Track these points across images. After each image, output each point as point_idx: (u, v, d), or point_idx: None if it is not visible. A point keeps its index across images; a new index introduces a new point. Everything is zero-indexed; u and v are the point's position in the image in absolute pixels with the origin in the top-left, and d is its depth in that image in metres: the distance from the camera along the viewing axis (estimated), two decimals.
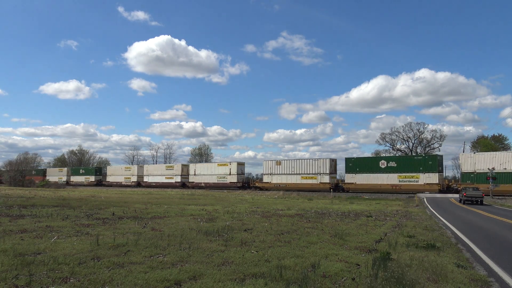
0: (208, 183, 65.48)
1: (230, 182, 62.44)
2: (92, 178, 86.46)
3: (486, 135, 77.26)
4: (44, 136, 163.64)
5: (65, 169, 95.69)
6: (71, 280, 5.86)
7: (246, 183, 63.61)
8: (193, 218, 16.19)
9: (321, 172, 53.50)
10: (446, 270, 7.19)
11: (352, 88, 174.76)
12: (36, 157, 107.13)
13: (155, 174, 75.41)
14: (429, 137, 78.18)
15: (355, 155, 63.13)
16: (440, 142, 77.90)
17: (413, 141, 79.35)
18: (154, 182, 74.78)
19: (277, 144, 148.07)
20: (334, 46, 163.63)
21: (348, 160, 52.74)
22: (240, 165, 63.92)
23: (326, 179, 52.85)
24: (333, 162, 54.53)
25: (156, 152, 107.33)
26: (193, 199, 34.79)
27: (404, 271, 6.65)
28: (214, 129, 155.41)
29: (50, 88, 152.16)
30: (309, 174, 54.65)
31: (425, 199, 38.30)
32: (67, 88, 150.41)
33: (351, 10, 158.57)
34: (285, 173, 57.09)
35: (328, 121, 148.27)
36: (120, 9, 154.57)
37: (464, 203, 32.54)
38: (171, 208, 21.76)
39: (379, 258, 7.60)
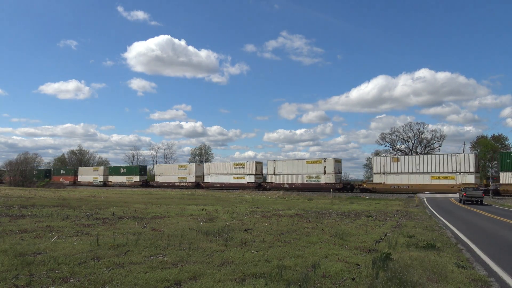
0: (293, 183, 56.00)
1: (325, 183, 53.13)
2: (136, 178, 76.71)
3: (486, 135, 77.29)
4: (44, 136, 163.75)
5: (101, 168, 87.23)
6: (71, 280, 5.86)
7: (348, 184, 55.76)
8: (193, 218, 16.19)
9: (463, 170, 43.15)
10: (446, 270, 7.19)
11: (352, 88, 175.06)
12: (36, 157, 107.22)
13: (220, 173, 64.93)
14: (429, 137, 78.20)
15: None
16: (440, 142, 77.88)
17: (413, 141, 79.36)
18: (218, 183, 64.69)
19: (277, 144, 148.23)
20: (334, 46, 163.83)
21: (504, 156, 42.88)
22: (338, 162, 54.56)
23: (469, 178, 42.69)
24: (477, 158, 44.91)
25: (156, 152, 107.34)
26: (193, 199, 34.79)
27: (404, 271, 6.65)
28: (214, 129, 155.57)
29: (49, 88, 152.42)
30: (444, 173, 44.29)
31: (425, 199, 38.29)
32: (67, 88, 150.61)
33: (351, 10, 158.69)
34: (407, 171, 47.37)
35: (328, 121, 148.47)
36: (120, 8, 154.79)
37: (464, 203, 32.53)
38: (171, 208, 21.76)
39: (379, 258, 7.60)
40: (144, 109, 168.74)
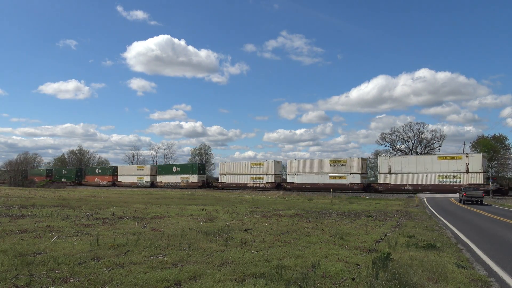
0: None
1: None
2: (193, 178, 67.68)
3: (486, 135, 77.24)
4: (43, 136, 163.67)
5: (148, 166, 77.46)
6: (71, 280, 5.85)
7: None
8: (193, 218, 16.19)
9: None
10: (446, 270, 7.19)
11: (352, 88, 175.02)
12: (36, 157, 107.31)
13: (308, 171, 55.69)
14: (429, 137, 78.19)
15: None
16: (440, 142, 77.89)
17: (413, 141, 79.36)
18: (308, 184, 55.63)
19: (277, 144, 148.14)
20: (334, 45, 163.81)
21: None
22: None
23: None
24: None
25: (156, 152, 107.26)
26: (193, 199, 34.79)
27: (404, 271, 6.65)
28: (214, 129, 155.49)
29: (49, 88, 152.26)
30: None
31: (425, 199, 38.30)
32: (67, 88, 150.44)
33: (351, 10, 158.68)
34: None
35: (328, 121, 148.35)
36: (119, 8, 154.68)
37: (464, 203, 32.54)
38: (171, 208, 21.76)
39: (379, 258, 7.60)
40: (144, 109, 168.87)
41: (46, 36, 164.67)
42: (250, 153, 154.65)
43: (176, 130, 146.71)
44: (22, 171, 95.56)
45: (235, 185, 62.48)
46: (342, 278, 6.47)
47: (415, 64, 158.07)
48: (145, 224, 13.43)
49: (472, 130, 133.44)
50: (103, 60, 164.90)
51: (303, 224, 14.71)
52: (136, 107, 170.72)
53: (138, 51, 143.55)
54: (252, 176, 60.73)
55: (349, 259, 8.05)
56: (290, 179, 57.20)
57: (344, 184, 51.98)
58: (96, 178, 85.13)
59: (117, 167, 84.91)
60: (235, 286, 5.85)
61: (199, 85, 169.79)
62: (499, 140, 72.67)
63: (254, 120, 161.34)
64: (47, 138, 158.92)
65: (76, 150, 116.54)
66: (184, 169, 70.76)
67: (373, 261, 7.46)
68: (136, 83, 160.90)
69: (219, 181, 65.15)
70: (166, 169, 74.46)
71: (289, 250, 8.82)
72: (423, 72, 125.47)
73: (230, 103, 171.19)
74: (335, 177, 52.77)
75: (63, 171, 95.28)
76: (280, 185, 59.04)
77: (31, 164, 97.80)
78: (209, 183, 68.78)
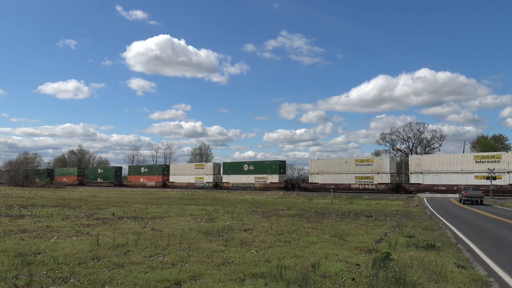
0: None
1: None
2: (273, 178, 57.35)
3: (486, 135, 77.33)
4: (43, 136, 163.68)
5: (209, 164, 67.20)
6: (71, 280, 5.85)
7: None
8: (193, 218, 16.19)
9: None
10: (446, 270, 7.19)
11: (352, 87, 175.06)
12: (36, 157, 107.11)
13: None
14: (429, 137, 78.28)
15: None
16: (440, 142, 77.96)
17: (413, 141, 79.44)
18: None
19: (277, 144, 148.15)
20: (334, 45, 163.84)
21: None
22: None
23: None
24: None
25: (156, 152, 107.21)
26: (193, 199, 34.79)
27: (404, 271, 6.64)
28: (214, 129, 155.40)
29: (49, 88, 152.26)
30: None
31: (425, 199, 38.31)
32: (66, 88, 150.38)
33: (351, 10, 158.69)
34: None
35: (328, 121, 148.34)
36: (119, 8, 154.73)
37: (464, 203, 32.54)
38: (171, 208, 21.76)
39: (379, 258, 7.60)
40: (143, 109, 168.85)
41: (45, 36, 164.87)
42: (250, 153, 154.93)
43: (176, 130, 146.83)
44: (48, 171, 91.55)
45: (333, 186, 52.00)
46: (342, 278, 6.47)
47: (415, 64, 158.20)
48: (145, 224, 13.43)
49: (472, 130, 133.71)
50: (103, 60, 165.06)
51: (303, 224, 14.71)
52: (136, 107, 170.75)
53: (138, 51, 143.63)
54: (357, 175, 51.56)
55: (349, 259, 8.05)
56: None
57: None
58: (142, 178, 75.09)
59: (168, 166, 75.44)
60: (235, 286, 5.85)
61: (199, 85, 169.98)
62: (499, 140, 72.78)
63: (254, 120, 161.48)
64: (47, 138, 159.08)
65: (76, 150, 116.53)
66: (260, 167, 59.89)
67: (373, 261, 7.46)
68: (135, 83, 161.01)
69: (310, 181, 54.90)
70: (234, 167, 63.70)
71: (289, 250, 8.82)
72: (423, 72, 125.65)
73: (230, 103, 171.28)
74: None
75: (99, 170, 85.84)
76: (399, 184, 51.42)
77: (31, 164, 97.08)
78: (294, 184, 58.59)
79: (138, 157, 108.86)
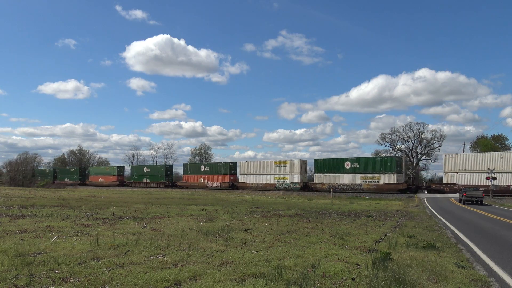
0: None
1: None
2: (388, 178, 47.03)
3: (486, 135, 77.28)
4: (43, 136, 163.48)
5: (295, 161, 56.06)
6: (71, 280, 5.85)
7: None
8: (193, 218, 16.20)
9: None
10: (446, 270, 7.19)
11: (352, 87, 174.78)
12: (36, 157, 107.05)
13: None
14: (429, 137, 78.11)
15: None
16: (440, 142, 77.78)
17: (413, 141, 79.31)
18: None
19: (277, 144, 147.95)
20: (334, 45, 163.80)
21: None
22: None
23: None
24: None
25: (156, 152, 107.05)
26: (193, 199, 34.80)
27: (404, 271, 6.64)
28: (214, 129, 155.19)
29: (48, 88, 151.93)
30: None
31: (425, 199, 38.32)
32: (66, 87, 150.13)
33: (351, 10, 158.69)
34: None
35: (328, 121, 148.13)
36: (118, 7, 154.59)
37: (464, 203, 32.56)
38: (171, 208, 21.77)
39: (379, 258, 7.60)
40: (143, 109, 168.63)
41: (45, 36, 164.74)
42: (250, 153, 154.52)
43: (176, 130, 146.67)
44: (80, 170, 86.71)
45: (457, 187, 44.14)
46: (342, 278, 6.47)
47: (415, 64, 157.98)
48: (145, 224, 13.43)
49: (472, 130, 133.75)
50: (102, 60, 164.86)
51: (303, 224, 14.71)
52: (136, 107, 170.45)
53: (138, 51, 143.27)
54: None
55: (349, 259, 8.05)
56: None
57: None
58: (202, 178, 65.58)
59: (235, 163, 63.98)
60: (235, 286, 5.85)
61: (199, 85, 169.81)
62: (499, 140, 72.75)
63: (254, 120, 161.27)
64: (47, 138, 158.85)
65: (76, 150, 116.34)
66: (368, 164, 49.44)
67: (373, 261, 7.46)
68: (135, 83, 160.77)
69: (447, 182, 45.44)
70: (331, 164, 52.60)
71: (289, 250, 8.82)
72: (423, 72, 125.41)
73: (230, 103, 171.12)
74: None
75: (146, 169, 75.70)
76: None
77: (31, 164, 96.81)
78: (419, 186, 50.12)
79: (138, 157, 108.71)
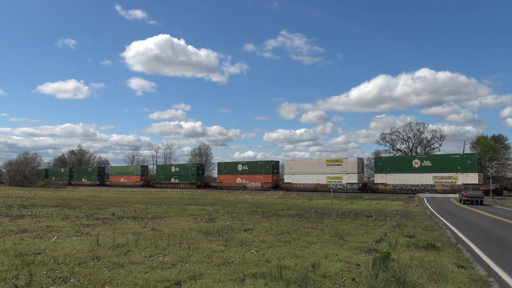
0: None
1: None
2: (467, 178, 43.62)
3: (486, 135, 77.25)
4: (43, 136, 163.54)
5: (351, 160, 51.66)
6: (71, 280, 5.85)
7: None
8: (193, 218, 16.20)
9: None
10: (446, 270, 7.19)
11: (351, 87, 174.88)
12: (36, 157, 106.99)
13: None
14: (429, 137, 78.18)
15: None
16: (440, 142, 77.82)
17: (413, 141, 79.35)
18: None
19: (277, 144, 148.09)
20: (335, 45, 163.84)
21: None
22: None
23: None
24: None
25: (156, 152, 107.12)
26: (193, 199, 34.80)
27: (404, 271, 6.64)
28: (214, 129, 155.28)
29: (48, 88, 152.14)
30: None
31: (425, 199, 38.30)
32: (66, 87, 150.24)
33: (351, 10, 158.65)
34: None
35: (328, 121, 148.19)
36: (118, 7, 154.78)
37: (464, 203, 32.56)
38: (171, 208, 21.76)
39: (379, 258, 7.60)
40: (143, 109, 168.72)
41: (45, 36, 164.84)
42: (250, 153, 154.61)
43: (176, 130, 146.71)
44: (99, 169, 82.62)
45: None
46: (342, 278, 6.47)
47: (415, 64, 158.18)
48: (145, 224, 13.43)
49: (472, 130, 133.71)
50: (102, 60, 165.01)
51: (303, 224, 14.71)
52: (136, 107, 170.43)
53: (137, 51, 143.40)
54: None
55: (349, 259, 8.05)
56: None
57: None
58: (239, 178, 61.25)
59: (277, 162, 60.53)
60: (235, 286, 5.85)
61: (198, 84, 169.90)
62: (499, 140, 72.72)
63: (254, 120, 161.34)
64: (47, 138, 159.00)
65: (76, 150, 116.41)
66: (440, 163, 45.12)
67: (373, 261, 7.46)
68: (135, 83, 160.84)
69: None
70: (395, 163, 48.36)
71: (289, 250, 8.82)
72: (423, 72, 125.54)
73: (230, 103, 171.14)
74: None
75: (174, 168, 70.33)
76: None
77: (31, 165, 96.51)
78: (506, 188, 44.41)
79: (138, 157, 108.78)
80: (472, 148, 73.02)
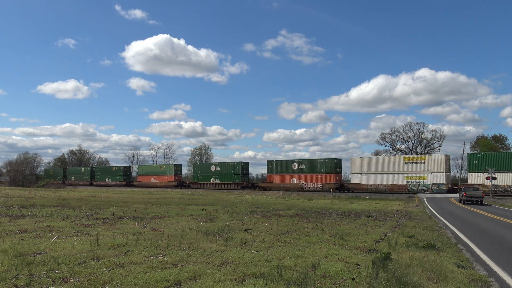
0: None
1: None
2: None
3: (486, 135, 77.26)
4: (43, 136, 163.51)
5: (437, 157, 46.65)
6: (71, 280, 5.85)
7: None
8: (193, 218, 16.20)
9: None
10: (446, 270, 7.19)
11: (351, 87, 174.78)
12: (36, 157, 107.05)
13: None
14: (429, 137, 78.18)
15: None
16: (440, 142, 77.78)
17: (413, 141, 79.37)
18: None
19: (277, 144, 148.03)
20: (335, 45, 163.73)
21: None
22: None
23: None
24: None
25: (156, 152, 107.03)
26: (193, 199, 34.80)
27: (404, 271, 6.65)
28: (214, 129, 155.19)
29: (48, 87, 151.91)
30: None
31: (425, 199, 38.30)
32: (65, 87, 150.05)
33: (351, 9, 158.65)
34: None
35: (328, 121, 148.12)
36: (117, 7, 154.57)
37: (464, 203, 32.55)
38: (171, 208, 21.77)
39: (379, 258, 7.60)
40: (143, 109, 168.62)
41: (44, 36, 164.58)
42: (250, 153, 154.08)
43: (176, 130, 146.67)
44: (125, 168, 76.54)
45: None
46: (342, 278, 6.47)
47: (415, 64, 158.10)
48: (145, 224, 13.43)
49: (472, 130, 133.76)
50: (102, 60, 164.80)
51: (303, 224, 14.71)
52: (136, 107, 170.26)
53: (137, 51, 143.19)
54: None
55: (349, 259, 8.05)
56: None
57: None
58: (294, 178, 55.27)
59: (340, 160, 53.92)
60: (235, 286, 5.85)
61: (198, 84, 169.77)
62: (499, 140, 72.80)
63: (253, 120, 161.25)
64: (47, 138, 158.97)
65: (76, 150, 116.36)
66: None
67: (373, 261, 7.46)
68: (135, 83, 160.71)
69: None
70: (497, 160, 41.43)
71: (289, 250, 8.82)
72: (423, 72, 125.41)
73: (230, 103, 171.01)
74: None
75: (213, 167, 63.83)
76: None
77: (31, 164, 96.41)
78: None
79: (138, 157, 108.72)
80: (472, 148, 73.09)
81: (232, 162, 63.13)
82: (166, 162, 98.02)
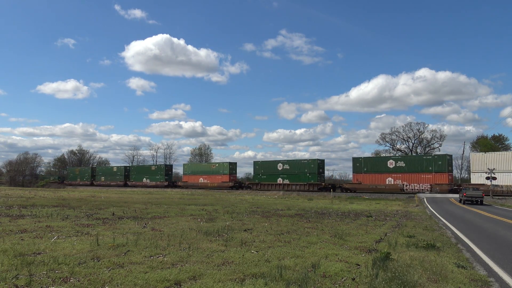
0: None
1: None
2: None
3: (486, 135, 77.25)
4: (43, 136, 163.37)
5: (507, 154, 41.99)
6: (71, 280, 5.85)
7: None
8: (193, 218, 16.20)
9: None
10: (446, 270, 7.19)
11: (351, 87, 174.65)
12: (36, 157, 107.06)
13: None
14: (429, 137, 78.17)
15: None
16: (440, 142, 77.76)
17: (413, 141, 79.38)
18: None
19: (277, 144, 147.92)
20: (335, 45, 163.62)
21: None
22: None
23: None
24: None
25: (156, 152, 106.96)
26: (193, 199, 34.81)
27: (404, 271, 6.65)
28: (214, 129, 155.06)
29: (48, 87, 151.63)
30: None
31: (425, 199, 38.29)
32: (65, 87, 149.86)
33: (351, 9, 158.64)
34: None
35: (328, 120, 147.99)
36: (117, 7, 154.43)
37: (464, 203, 32.55)
38: (171, 208, 21.77)
39: (379, 258, 7.60)
40: (143, 109, 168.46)
41: (44, 36, 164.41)
42: (250, 153, 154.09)
43: (176, 130, 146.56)
44: (166, 167, 69.55)
45: None
46: (342, 278, 6.48)
47: (415, 64, 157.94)
48: (145, 224, 13.43)
49: (472, 130, 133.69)
50: (102, 60, 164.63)
51: (303, 224, 14.71)
52: (135, 106, 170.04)
53: (137, 51, 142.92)
54: None
55: (349, 259, 8.05)
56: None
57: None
58: (390, 178, 48.48)
59: (451, 156, 48.82)
60: (235, 286, 5.85)
61: (198, 84, 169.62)
62: (499, 140, 72.78)
63: (253, 120, 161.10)
64: (47, 138, 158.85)
65: (76, 150, 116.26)
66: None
67: (373, 261, 7.47)
68: (135, 83, 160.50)
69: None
70: None
71: (289, 250, 8.82)
72: (423, 72, 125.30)
73: (230, 103, 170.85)
74: None
75: (280, 166, 56.42)
76: None
77: (31, 164, 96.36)
78: None
79: (138, 157, 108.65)
80: (472, 148, 73.11)
81: (305, 160, 55.59)
82: (166, 162, 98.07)
